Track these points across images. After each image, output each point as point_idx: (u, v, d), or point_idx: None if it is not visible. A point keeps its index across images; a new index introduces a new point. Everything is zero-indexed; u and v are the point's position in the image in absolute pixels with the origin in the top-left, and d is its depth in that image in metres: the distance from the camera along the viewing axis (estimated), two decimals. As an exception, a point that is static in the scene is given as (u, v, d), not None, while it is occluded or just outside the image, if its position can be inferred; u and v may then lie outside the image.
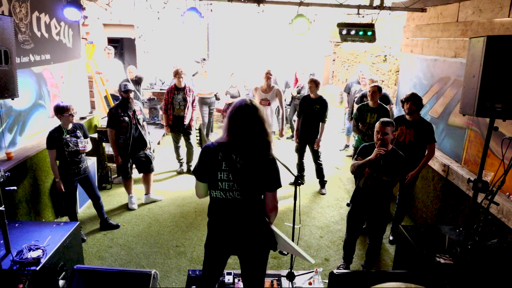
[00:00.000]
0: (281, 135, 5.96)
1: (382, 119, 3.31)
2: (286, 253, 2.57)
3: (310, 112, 5.33)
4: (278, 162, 2.46)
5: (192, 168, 5.95)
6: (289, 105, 8.26)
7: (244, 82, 8.46)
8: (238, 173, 2.21)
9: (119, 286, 2.68)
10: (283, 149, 7.57)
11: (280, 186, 2.31)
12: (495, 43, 2.23)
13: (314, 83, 5.28)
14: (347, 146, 7.72)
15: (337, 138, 8.31)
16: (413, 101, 3.98)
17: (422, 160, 4.04)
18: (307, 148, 5.61)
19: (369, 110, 4.77)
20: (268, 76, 5.53)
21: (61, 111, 3.84)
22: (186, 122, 5.83)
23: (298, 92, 7.80)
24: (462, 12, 4.30)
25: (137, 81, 7.57)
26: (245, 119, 2.18)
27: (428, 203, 4.60)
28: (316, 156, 5.52)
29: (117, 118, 4.57)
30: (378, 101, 4.78)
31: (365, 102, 4.92)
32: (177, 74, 5.67)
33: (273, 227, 2.44)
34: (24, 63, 4.14)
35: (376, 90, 4.69)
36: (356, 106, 6.22)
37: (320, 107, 5.27)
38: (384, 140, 3.24)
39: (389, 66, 7.65)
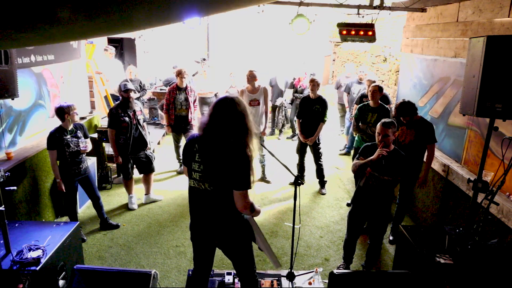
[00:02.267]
0: (263, 133, 5.68)
1: (383, 120, 3.31)
2: (261, 250, 2.56)
3: (310, 113, 5.33)
4: (278, 162, 2.44)
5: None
6: (291, 104, 8.26)
7: (243, 82, 8.45)
8: (208, 165, 2.23)
9: (119, 286, 2.68)
10: (283, 149, 7.57)
11: (248, 187, 2.20)
12: (495, 43, 2.24)
13: (316, 83, 5.28)
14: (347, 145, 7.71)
15: (337, 139, 8.31)
16: (401, 113, 3.97)
17: (425, 162, 4.05)
18: (308, 149, 5.60)
19: (369, 110, 4.78)
20: (252, 76, 5.46)
21: (68, 110, 3.84)
22: (193, 122, 5.87)
23: (301, 93, 7.80)
24: (462, 12, 4.30)
25: (142, 88, 7.52)
26: (223, 111, 2.20)
27: (428, 203, 4.60)
28: (317, 157, 5.52)
29: (117, 118, 4.56)
30: (379, 101, 4.80)
31: (366, 102, 4.93)
32: (180, 74, 5.69)
33: (252, 222, 2.42)
34: (27, 63, 4.13)
35: (377, 90, 4.71)
36: (356, 106, 6.23)
37: (320, 107, 5.28)
38: (385, 141, 3.24)
39: (389, 66, 7.65)
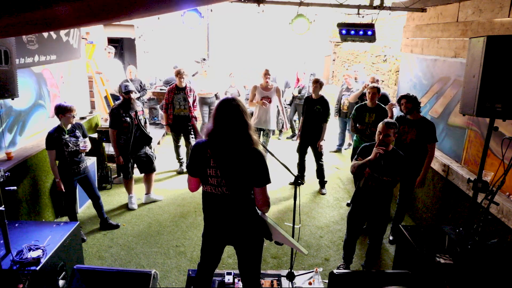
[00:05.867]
0: (286, 128, 6.22)
1: (386, 120, 3.30)
2: (281, 243, 2.59)
3: (311, 113, 5.32)
4: (278, 162, 2.44)
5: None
6: (290, 105, 8.26)
7: (243, 82, 8.45)
8: (225, 169, 2.24)
9: (119, 286, 2.68)
10: (283, 149, 7.56)
11: (268, 182, 2.28)
12: (495, 43, 2.24)
13: (319, 84, 5.27)
14: (350, 144, 7.72)
15: (336, 138, 8.30)
16: (407, 99, 4.00)
17: (425, 161, 4.04)
18: (309, 149, 5.61)
19: (367, 110, 4.76)
20: (266, 74, 5.61)
21: (63, 111, 3.83)
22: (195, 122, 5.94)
23: (299, 92, 7.79)
24: (462, 12, 4.30)
25: (142, 88, 7.56)
26: (227, 113, 2.23)
27: (428, 203, 4.60)
28: (318, 157, 5.52)
29: (118, 118, 4.56)
30: (376, 101, 4.78)
31: (363, 102, 4.92)
32: (178, 74, 5.71)
33: (267, 219, 2.46)
34: (27, 63, 4.13)
35: (376, 92, 4.69)
36: (346, 103, 6.29)
37: (322, 108, 5.26)
38: (385, 141, 3.24)
39: (389, 66, 7.65)
